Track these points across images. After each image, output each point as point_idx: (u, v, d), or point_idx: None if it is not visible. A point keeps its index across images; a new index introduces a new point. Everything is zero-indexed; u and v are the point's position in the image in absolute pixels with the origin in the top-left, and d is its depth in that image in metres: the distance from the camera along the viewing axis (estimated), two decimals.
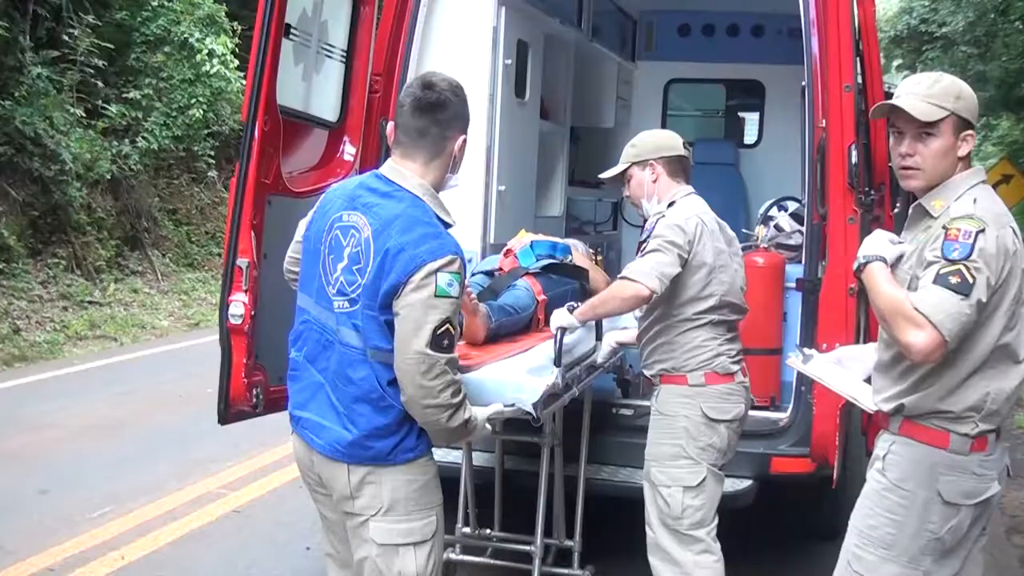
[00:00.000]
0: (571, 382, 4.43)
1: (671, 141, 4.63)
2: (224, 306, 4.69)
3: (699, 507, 4.37)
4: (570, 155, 8.52)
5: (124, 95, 15.39)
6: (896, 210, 6.70)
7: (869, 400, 3.49)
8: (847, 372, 3.70)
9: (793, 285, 5.42)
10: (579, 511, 5.16)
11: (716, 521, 4.45)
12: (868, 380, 3.57)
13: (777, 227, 6.30)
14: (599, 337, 4.79)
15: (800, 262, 5.36)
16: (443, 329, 3.19)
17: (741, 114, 10.73)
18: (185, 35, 15.55)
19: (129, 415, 9.13)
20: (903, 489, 3.29)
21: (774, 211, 6.53)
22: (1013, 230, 3.18)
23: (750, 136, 10.37)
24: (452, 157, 3.45)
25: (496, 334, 4.46)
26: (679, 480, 4.37)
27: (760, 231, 6.22)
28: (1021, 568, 6.36)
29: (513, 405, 3.83)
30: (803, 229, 5.55)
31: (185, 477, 7.27)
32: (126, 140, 15.35)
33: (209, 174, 17.62)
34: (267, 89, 4.66)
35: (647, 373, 4.61)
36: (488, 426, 3.56)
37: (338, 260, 3.33)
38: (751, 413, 5.11)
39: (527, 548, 4.92)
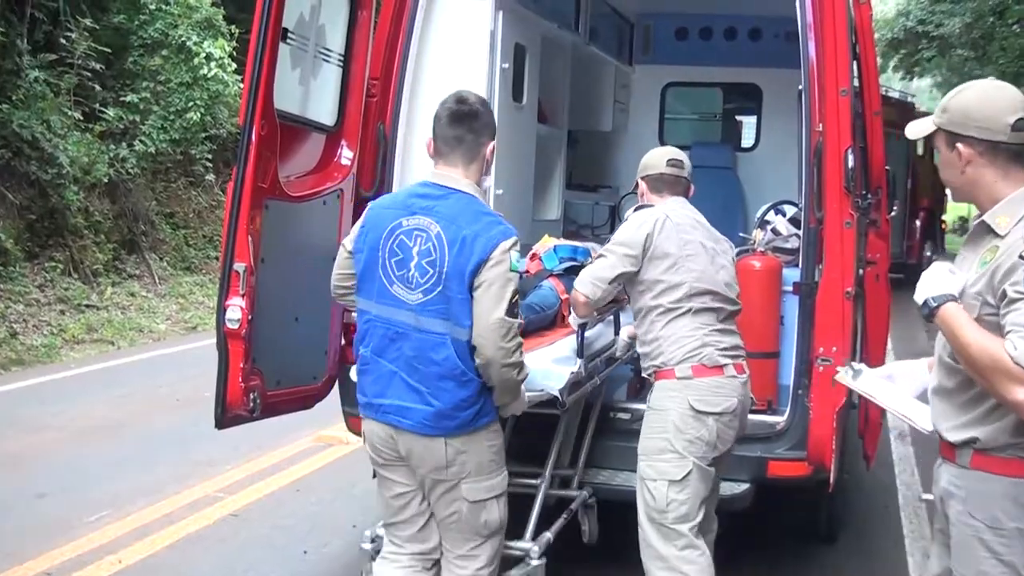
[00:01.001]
0: (593, 372, 4.90)
1: (653, 160, 4.89)
2: (221, 310, 4.69)
3: (683, 501, 4.39)
4: (567, 159, 8.52)
5: (121, 98, 15.38)
6: (892, 213, 6.72)
7: (924, 420, 3.40)
8: (898, 389, 3.62)
9: (790, 289, 5.43)
10: (585, 445, 5.31)
11: (700, 517, 4.45)
12: (921, 396, 3.50)
13: (774, 231, 6.30)
14: (617, 332, 5.21)
15: (797, 266, 5.36)
16: (515, 299, 3.81)
17: (738, 118, 10.74)
18: (183, 38, 15.54)
19: (126, 418, 9.13)
20: (1000, 529, 3.10)
21: (771, 215, 6.53)
22: None
23: (747, 140, 10.37)
24: (485, 160, 4.04)
25: (525, 330, 4.66)
26: (664, 474, 4.41)
27: (757, 235, 6.21)
28: None
29: (543, 391, 4.39)
30: (800, 233, 5.55)
31: (183, 480, 7.27)
32: (123, 143, 15.34)
33: (207, 178, 17.61)
34: (264, 93, 4.66)
35: (644, 374, 4.68)
36: (526, 404, 4.18)
37: (407, 260, 3.84)
38: (749, 416, 5.21)
39: (533, 482, 4.95)
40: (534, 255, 5.77)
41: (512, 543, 4.46)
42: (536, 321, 5.20)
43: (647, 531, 4.46)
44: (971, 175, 3.15)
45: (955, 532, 3.22)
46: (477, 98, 4.05)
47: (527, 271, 5.54)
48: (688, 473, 4.39)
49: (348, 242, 4.08)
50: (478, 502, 3.94)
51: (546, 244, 5.90)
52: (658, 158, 4.86)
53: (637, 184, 4.94)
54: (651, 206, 4.75)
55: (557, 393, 4.44)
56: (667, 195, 4.78)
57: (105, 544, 6.12)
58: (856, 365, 3.81)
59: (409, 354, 3.85)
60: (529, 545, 4.54)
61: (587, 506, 5.14)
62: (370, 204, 4.13)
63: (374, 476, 4.22)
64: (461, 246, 3.76)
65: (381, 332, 3.91)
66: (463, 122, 3.94)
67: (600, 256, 4.69)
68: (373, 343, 3.94)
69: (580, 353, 4.73)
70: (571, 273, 5.41)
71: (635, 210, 4.82)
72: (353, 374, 4.27)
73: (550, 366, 4.59)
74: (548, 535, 4.70)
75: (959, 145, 3.14)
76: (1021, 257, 2.94)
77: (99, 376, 11.16)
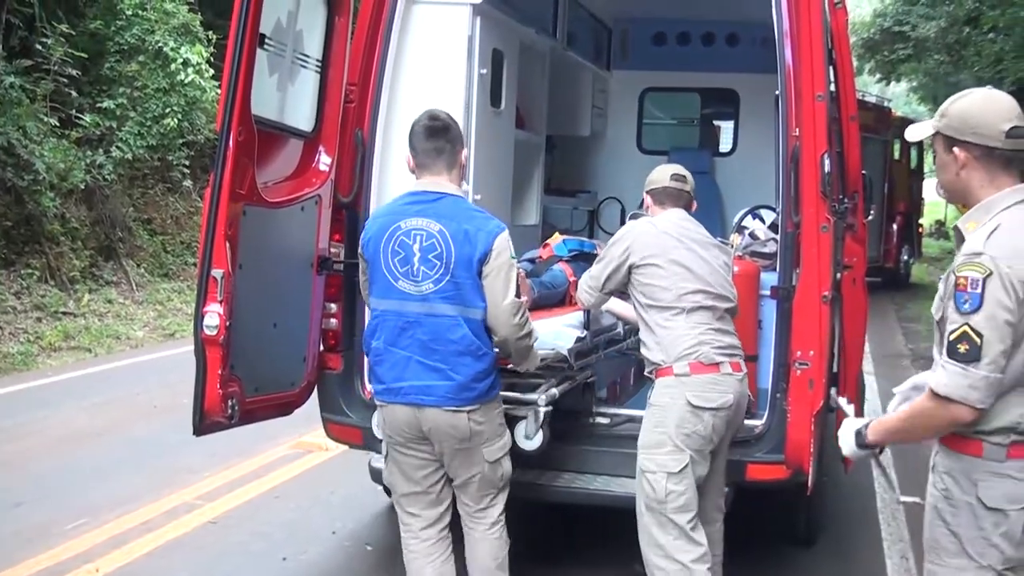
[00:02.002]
0: (597, 346, 5.57)
1: (658, 175, 5.14)
2: (199, 317, 4.67)
3: (682, 492, 4.60)
4: (546, 164, 8.54)
5: (98, 104, 15.32)
6: (870, 218, 6.75)
7: None
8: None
9: (768, 293, 5.45)
10: None
11: (696, 511, 4.65)
12: None
13: (752, 235, 6.32)
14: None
15: (775, 270, 5.38)
16: (517, 282, 4.44)
17: (716, 123, 10.76)
18: (160, 44, 15.49)
19: (104, 426, 9.09)
20: (951, 498, 3.33)
21: (748, 219, 6.56)
22: None
23: (725, 144, 10.40)
24: (461, 166, 4.58)
25: (537, 304, 5.52)
26: (663, 466, 4.62)
27: (735, 239, 6.24)
28: None
29: (554, 349, 5.03)
30: (777, 237, 5.58)
31: (161, 488, 7.24)
32: (100, 150, 15.27)
33: (184, 184, 17.55)
34: (241, 99, 4.65)
35: (646, 373, 4.90)
36: (539, 360, 4.79)
37: (409, 257, 4.35)
38: None
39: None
40: (546, 245, 6.63)
41: (522, 395, 5.05)
42: (548, 296, 5.84)
43: (646, 520, 4.67)
44: (964, 178, 3.32)
45: (927, 500, 3.49)
46: (446, 114, 4.59)
47: (540, 256, 6.43)
48: (685, 466, 4.61)
49: (361, 250, 4.59)
50: (495, 461, 4.55)
51: (556, 239, 6.70)
52: (663, 173, 5.12)
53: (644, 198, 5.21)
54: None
55: (566, 353, 5.09)
56: (669, 206, 5.04)
57: (83, 552, 6.09)
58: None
59: (423, 338, 4.35)
60: (536, 396, 5.04)
61: (587, 384, 5.61)
62: (371, 215, 4.69)
63: (386, 457, 4.67)
64: (465, 238, 4.31)
65: (391, 324, 4.41)
66: (439, 135, 4.47)
67: (597, 261, 5.06)
68: (384, 335, 4.43)
69: (587, 326, 5.41)
70: (578, 260, 6.32)
71: (631, 217, 5.23)
72: (359, 375, 5.15)
73: (560, 328, 5.26)
74: (554, 391, 5.13)
75: (956, 149, 3.30)
76: (954, 274, 3.18)
77: (76, 384, 11.09)
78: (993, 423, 3.21)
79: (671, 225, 4.90)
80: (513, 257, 4.43)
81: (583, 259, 6.32)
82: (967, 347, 3.11)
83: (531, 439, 5.03)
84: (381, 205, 4.87)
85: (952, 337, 3.14)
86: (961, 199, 3.40)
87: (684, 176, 5.11)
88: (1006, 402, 3.19)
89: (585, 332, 5.36)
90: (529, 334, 4.54)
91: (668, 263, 4.75)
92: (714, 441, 4.69)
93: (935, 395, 3.18)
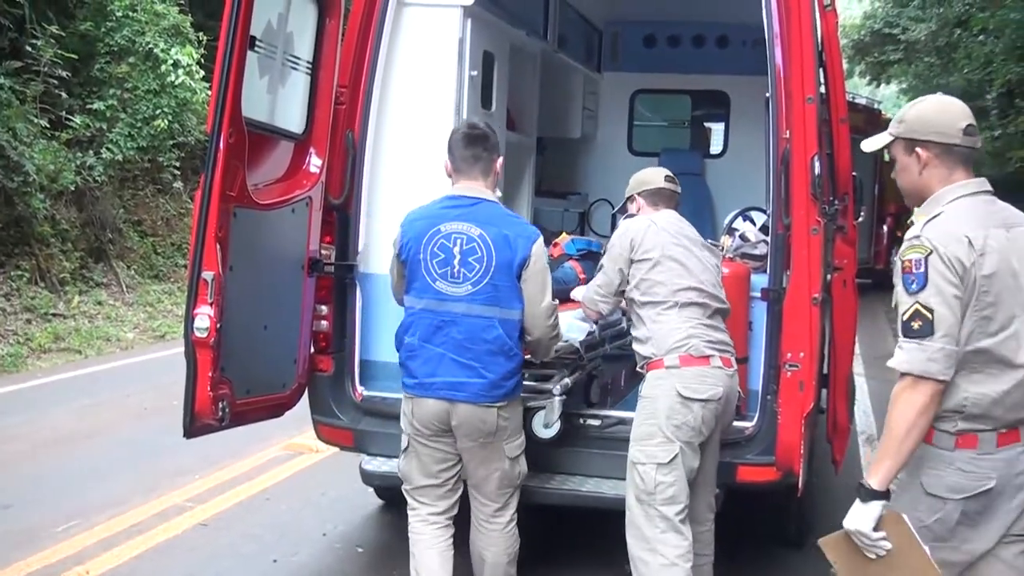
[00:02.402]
0: (604, 339, 5.75)
1: (649, 176, 5.27)
2: (189, 319, 4.67)
3: (671, 483, 4.64)
4: (537, 166, 8.54)
5: (88, 106, 15.29)
6: (860, 219, 6.76)
7: None
8: None
9: (758, 295, 5.45)
10: None
11: (686, 504, 4.69)
12: None
13: (742, 237, 6.33)
14: None
15: (765, 272, 5.39)
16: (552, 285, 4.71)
17: (707, 124, 10.78)
18: (150, 45, 15.47)
19: (94, 428, 9.07)
20: (897, 478, 3.45)
21: (739, 221, 6.56)
22: (970, 241, 3.31)
23: (716, 146, 10.42)
24: (496, 174, 4.81)
25: None
26: (653, 457, 4.67)
27: (726, 241, 6.25)
28: None
29: (567, 341, 5.21)
30: (768, 239, 5.58)
31: (151, 490, 7.22)
32: (90, 151, 15.24)
33: (175, 185, 17.52)
34: (232, 101, 4.65)
35: (638, 368, 4.95)
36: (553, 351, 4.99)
37: (450, 259, 4.56)
38: None
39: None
40: (556, 244, 6.91)
41: (537, 384, 5.22)
42: (559, 292, 5.84)
43: (635, 512, 4.71)
44: (926, 177, 3.52)
45: None
46: (485, 124, 4.84)
47: (551, 255, 6.35)
48: (675, 456, 4.65)
49: (396, 251, 4.76)
50: (515, 458, 4.75)
51: (564, 239, 7.12)
52: (655, 175, 5.25)
53: (632, 200, 5.28)
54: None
55: (578, 345, 5.35)
56: (662, 207, 5.17)
57: (73, 555, 6.07)
58: None
59: (458, 337, 4.55)
60: (550, 386, 5.21)
61: (593, 375, 5.76)
62: (405, 217, 4.77)
63: (405, 448, 4.78)
64: (505, 242, 4.54)
65: (427, 322, 4.60)
66: (477, 143, 4.69)
67: (599, 270, 5.17)
68: (419, 332, 4.62)
69: (596, 320, 5.52)
70: (587, 259, 6.64)
71: (625, 217, 5.24)
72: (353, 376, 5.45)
73: (572, 322, 5.41)
74: (567, 380, 5.28)
75: (918, 149, 3.50)
76: (900, 260, 3.38)
77: (66, 385, 11.06)
78: (940, 405, 3.33)
79: (668, 223, 5.01)
80: (548, 263, 4.72)
81: (591, 258, 6.61)
82: (920, 323, 3.28)
83: (550, 427, 5.21)
84: (418, 207, 4.87)
85: (905, 317, 3.32)
86: (919, 199, 3.57)
87: (674, 178, 5.27)
88: (952, 384, 3.32)
89: (594, 326, 5.54)
90: (558, 335, 4.83)
91: (665, 259, 4.85)
92: (703, 433, 4.73)
93: (901, 375, 3.32)
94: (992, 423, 3.36)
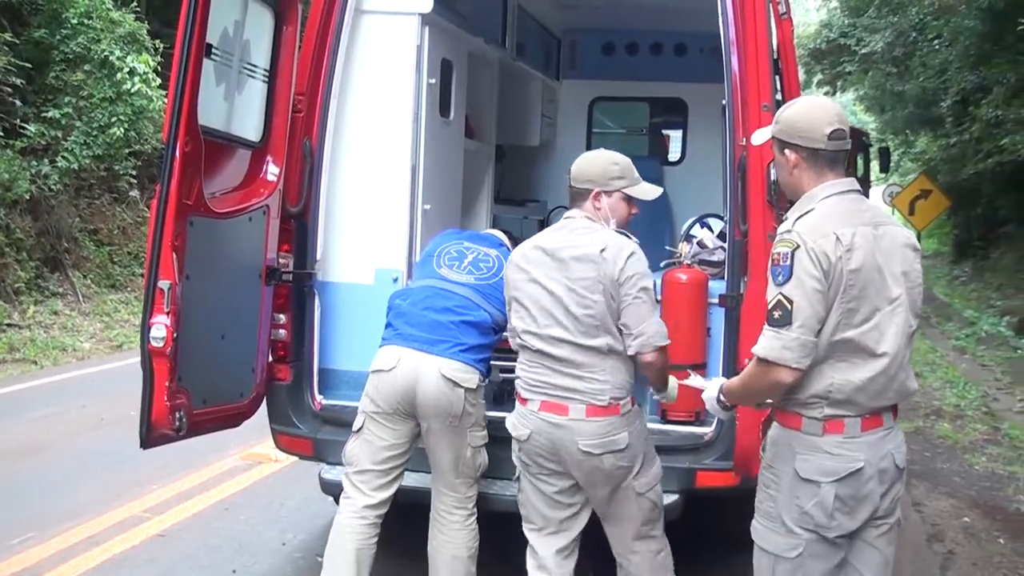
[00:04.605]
0: None
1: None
2: (145, 328, 4.64)
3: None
4: (495, 173, 8.55)
5: (43, 114, 15.13)
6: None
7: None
8: None
9: (716, 301, 5.48)
10: None
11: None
12: None
13: (700, 244, 6.36)
14: None
15: (723, 278, 5.42)
16: None
17: (665, 132, 10.81)
18: (106, 53, 15.31)
19: (50, 439, 8.98)
20: (773, 467, 3.73)
21: (696, 228, 6.59)
22: (838, 237, 3.50)
23: (674, 153, 10.46)
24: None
25: None
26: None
27: (683, 248, 6.27)
28: (942, 574, 6.47)
29: None
30: (725, 246, 5.62)
31: (108, 501, 7.17)
32: (45, 160, 15.07)
33: (131, 194, 17.39)
34: (188, 109, 4.63)
35: None
36: None
37: (462, 258, 5.08)
38: (677, 428, 5.52)
39: None
40: None
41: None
42: None
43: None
44: (797, 176, 3.72)
45: None
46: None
47: None
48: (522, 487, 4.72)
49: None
50: (477, 447, 4.91)
51: None
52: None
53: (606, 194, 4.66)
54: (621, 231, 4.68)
55: None
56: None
57: (29, 567, 6.02)
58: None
59: (446, 304, 4.88)
60: None
61: None
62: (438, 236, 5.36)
63: (358, 429, 4.90)
64: None
65: (421, 292, 4.97)
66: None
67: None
68: (411, 298, 4.98)
69: None
70: None
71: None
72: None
73: None
74: None
75: (787, 151, 3.71)
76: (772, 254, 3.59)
77: (22, 396, 10.96)
78: (807, 391, 3.58)
79: (527, 250, 4.61)
80: None
81: None
82: (780, 313, 3.50)
83: None
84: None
85: (769, 306, 3.54)
86: (795, 197, 3.77)
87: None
88: (819, 372, 3.55)
89: None
90: None
91: (512, 300, 4.60)
92: (531, 468, 4.59)
93: (757, 359, 3.57)
94: (856, 409, 3.60)
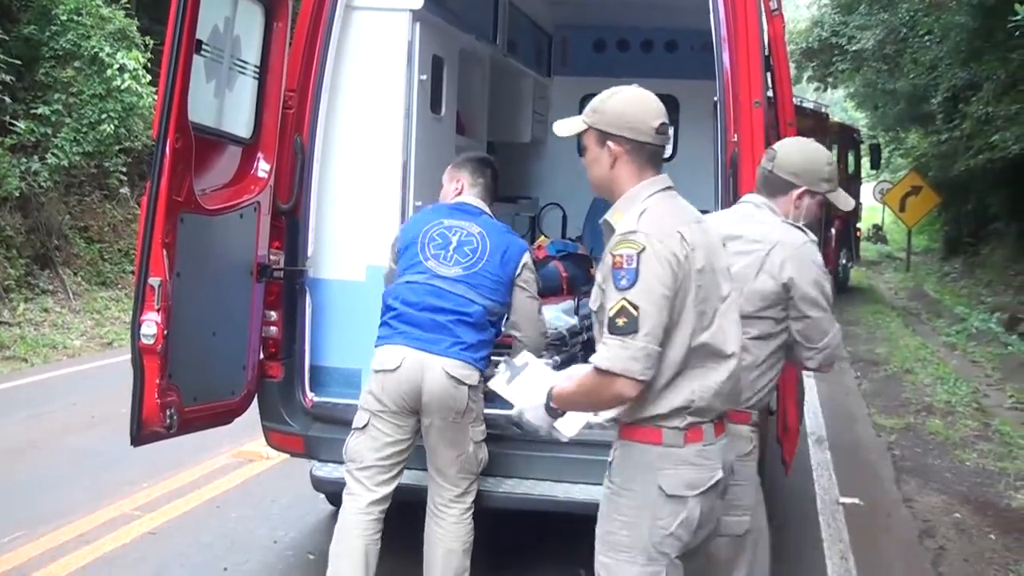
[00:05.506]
0: (584, 328, 6.29)
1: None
2: (136, 326, 4.63)
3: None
4: None
5: (33, 111, 15.06)
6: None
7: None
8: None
9: None
10: None
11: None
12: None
13: None
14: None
15: None
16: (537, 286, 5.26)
17: None
18: (95, 50, 15.24)
19: (40, 437, 8.95)
20: (630, 490, 3.45)
21: None
22: (683, 235, 3.36)
23: (665, 150, 10.45)
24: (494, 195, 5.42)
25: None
26: None
27: None
28: (934, 570, 6.48)
29: (556, 329, 5.99)
30: None
31: (98, 500, 7.14)
32: (35, 157, 15.00)
33: (121, 191, 17.33)
34: (178, 106, 4.61)
35: None
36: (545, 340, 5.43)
37: (446, 244, 5.00)
38: None
39: None
40: (539, 247, 7.98)
41: None
42: (545, 289, 6.35)
43: None
44: (616, 171, 3.52)
45: (601, 495, 3.63)
46: (494, 158, 5.87)
47: (536, 256, 6.97)
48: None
49: (393, 246, 5.20)
50: (479, 443, 4.97)
51: (545, 241, 8.38)
52: None
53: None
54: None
55: (565, 332, 6.09)
56: None
57: (18, 566, 5.99)
58: (518, 361, 3.97)
59: (439, 304, 4.87)
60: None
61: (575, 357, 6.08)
62: (409, 218, 5.39)
63: (363, 427, 4.87)
64: (505, 250, 5.04)
65: (413, 290, 4.92)
66: (488, 168, 5.43)
67: None
68: (403, 297, 4.92)
69: (576, 311, 6.41)
70: (567, 259, 7.55)
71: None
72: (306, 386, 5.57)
73: (558, 313, 6.30)
74: (557, 358, 5.69)
75: (610, 143, 3.50)
76: (611, 254, 3.34)
77: (11, 394, 10.91)
78: (667, 405, 3.38)
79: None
80: (535, 271, 5.26)
81: (571, 258, 7.59)
82: (625, 320, 3.25)
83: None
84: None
85: (612, 313, 3.28)
86: (609, 193, 3.57)
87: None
88: (677, 384, 3.38)
89: (576, 316, 6.37)
90: (546, 332, 5.42)
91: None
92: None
93: (599, 371, 3.29)
94: (711, 414, 3.46)
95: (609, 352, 3.27)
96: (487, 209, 5.25)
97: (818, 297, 4.13)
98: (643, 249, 3.28)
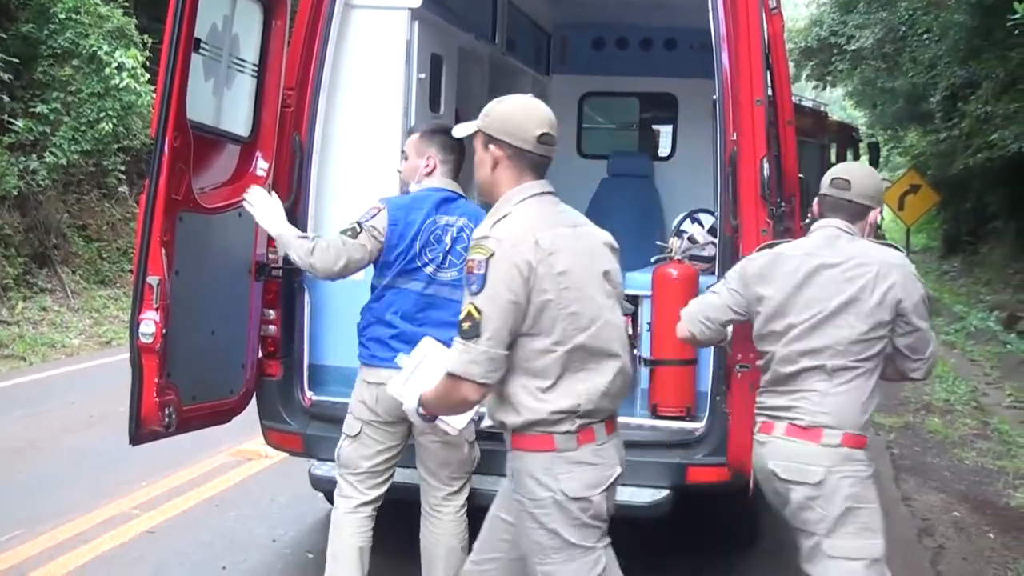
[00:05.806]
0: None
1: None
2: (134, 324, 4.62)
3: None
4: None
5: (31, 109, 15.06)
6: (806, 221, 6.81)
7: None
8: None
9: None
10: None
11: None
12: None
13: (691, 239, 6.35)
14: None
15: (713, 273, 5.41)
16: None
17: (655, 127, 10.82)
18: (94, 48, 15.24)
19: (39, 436, 8.95)
20: (536, 499, 3.50)
21: (687, 223, 6.59)
22: (537, 241, 3.41)
23: (664, 149, 10.47)
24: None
25: None
26: None
27: (674, 243, 6.27)
28: (932, 569, 6.48)
29: None
30: (716, 241, 5.61)
31: (97, 498, 7.13)
32: (33, 155, 15.00)
33: (120, 189, 17.33)
34: (176, 104, 4.60)
35: None
36: None
37: (442, 247, 4.79)
38: (667, 424, 5.53)
39: None
40: None
41: None
42: None
43: None
44: (497, 175, 3.61)
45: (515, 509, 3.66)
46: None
47: None
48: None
49: (379, 233, 4.76)
50: (472, 442, 4.91)
51: None
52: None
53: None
54: None
55: None
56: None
57: (17, 564, 5.99)
58: (417, 355, 4.12)
59: (439, 317, 4.72)
60: None
61: None
62: (388, 205, 4.80)
63: (356, 435, 4.81)
64: None
65: (411, 301, 4.78)
66: (458, 147, 4.93)
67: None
68: (402, 310, 4.77)
69: None
70: None
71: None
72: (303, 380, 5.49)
73: None
74: None
75: (492, 147, 3.59)
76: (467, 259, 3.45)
77: (10, 393, 10.91)
78: (554, 409, 3.44)
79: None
80: None
81: None
82: (470, 324, 3.36)
83: None
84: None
85: (461, 316, 3.40)
86: (489, 195, 3.67)
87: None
88: (560, 388, 3.44)
89: None
90: None
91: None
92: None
93: (447, 373, 3.45)
94: (601, 415, 3.54)
95: (456, 356, 3.41)
96: (462, 191, 5.05)
97: (925, 310, 4.17)
98: (492, 255, 3.36)
